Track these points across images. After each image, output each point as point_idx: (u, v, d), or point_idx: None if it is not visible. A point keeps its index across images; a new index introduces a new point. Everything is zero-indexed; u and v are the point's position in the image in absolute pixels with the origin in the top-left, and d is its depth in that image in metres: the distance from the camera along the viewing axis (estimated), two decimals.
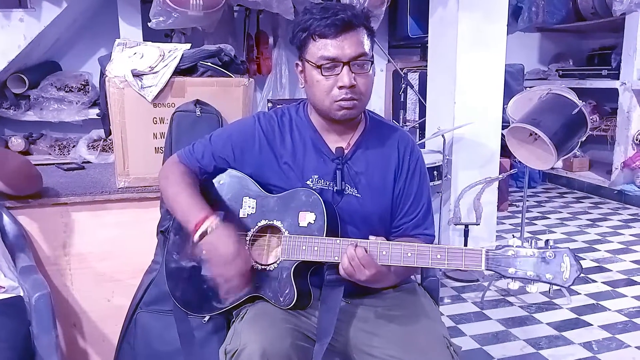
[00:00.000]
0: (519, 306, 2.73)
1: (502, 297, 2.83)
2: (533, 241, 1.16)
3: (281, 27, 4.41)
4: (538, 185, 5.40)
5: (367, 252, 1.21)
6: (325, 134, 1.39)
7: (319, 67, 1.27)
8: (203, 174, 1.43)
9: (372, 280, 1.22)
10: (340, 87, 1.27)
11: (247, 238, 1.36)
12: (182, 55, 1.88)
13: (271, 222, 1.35)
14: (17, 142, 3.66)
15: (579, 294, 2.86)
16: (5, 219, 1.73)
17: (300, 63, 1.34)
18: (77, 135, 3.79)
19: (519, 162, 2.66)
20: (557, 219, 4.26)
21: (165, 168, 1.47)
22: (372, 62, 1.31)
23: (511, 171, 3.51)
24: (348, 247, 1.22)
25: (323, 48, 1.26)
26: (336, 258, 1.25)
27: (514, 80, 4.10)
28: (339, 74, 1.27)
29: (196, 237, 1.28)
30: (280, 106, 1.49)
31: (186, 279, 1.43)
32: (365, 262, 1.20)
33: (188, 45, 1.95)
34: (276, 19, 4.31)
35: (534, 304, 2.75)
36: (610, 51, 5.03)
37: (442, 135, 3.01)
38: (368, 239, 1.24)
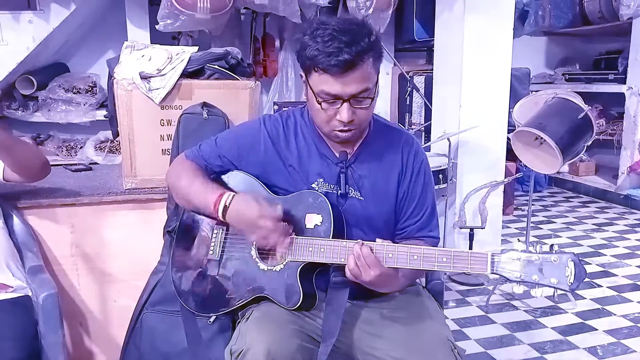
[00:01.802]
0: (523, 310, 2.72)
1: (507, 301, 2.83)
2: (538, 245, 1.17)
3: (287, 30, 4.42)
4: (544, 189, 5.39)
5: (373, 251, 1.21)
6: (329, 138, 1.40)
7: (319, 101, 1.26)
8: (210, 174, 1.44)
9: (378, 282, 1.22)
10: (339, 121, 1.27)
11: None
12: (190, 58, 1.90)
13: None
14: None
15: (584, 298, 2.85)
16: (15, 219, 1.75)
17: (303, 76, 1.32)
18: (84, 136, 3.81)
19: (525, 166, 2.66)
20: (563, 223, 4.25)
21: (173, 165, 1.49)
22: (374, 97, 1.28)
23: (517, 175, 3.50)
24: (354, 245, 1.22)
25: (325, 84, 1.23)
26: (342, 260, 1.26)
27: (520, 84, 4.10)
28: (339, 107, 1.26)
29: (219, 216, 1.30)
30: (286, 109, 1.50)
31: (192, 280, 1.44)
32: (371, 261, 1.20)
33: (195, 48, 1.96)
34: (283, 21, 4.32)
35: (538, 308, 2.74)
36: (617, 55, 5.02)
37: (448, 139, 3.01)
38: (375, 241, 1.25)
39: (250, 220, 1.28)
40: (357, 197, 1.37)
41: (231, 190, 1.39)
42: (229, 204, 1.30)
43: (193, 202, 1.40)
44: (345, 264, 1.25)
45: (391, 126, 1.48)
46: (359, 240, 1.24)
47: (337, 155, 1.38)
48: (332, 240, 1.28)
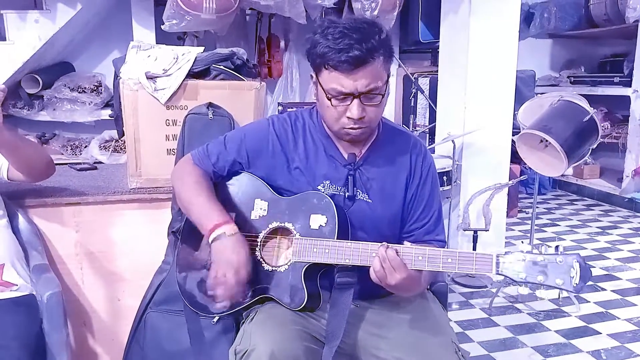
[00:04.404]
0: (527, 313, 2.72)
1: (511, 303, 2.82)
2: (543, 247, 1.17)
3: (292, 31, 4.43)
4: (548, 192, 5.38)
5: (398, 254, 1.19)
6: (337, 139, 1.39)
7: (329, 97, 1.26)
8: (217, 177, 1.45)
9: (403, 285, 1.20)
10: (349, 118, 1.27)
11: (259, 240, 1.38)
12: (195, 58, 1.90)
13: (282, 224, 1.36)
14: None
15: (588, 302, 2.84)
16: (20, 217, 1.76)
17: (314, 76, 1.32)
18: (89, 135, 3.81)
19: (529, 168, 2.65)
20: (567, 226, 4.24)
21: (179, 169, 1.49)
22: (384, 94, 1.28)
23: (521, 177, 3.50)
24: (379, 248, 1.20)
25: (336, 81, 1.23)
26: (347, 261, 1.26)
27: (525, 87, 4.09)
28: (349, 104, 1.26)
29: (208, 239, 1.30)
30: (294, 110, 1.50)
31: (196, 279, 1.44)
32: (397, 264, 1.18)
33: (201, 49, 1.97)
34: (288, 22, 4.32)
35: (542, 311, 2.73)
36: (622, 58, 5.01)
37: (452, 141, 3.01)
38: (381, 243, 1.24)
39: (225, 264, 1.27)
40: (364, 199, 1.37)
41: (229, 202, 1.40)
42: (225, 238, 1.29)
43: (191, 216, 1.39)
44: (351, 265, 1.25)
45: (399, 129, 1.48)
46: (383, 243, 1.22)
47: (346, 157, 1.38)
48: (337, 242, 1.28)
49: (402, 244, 1.23)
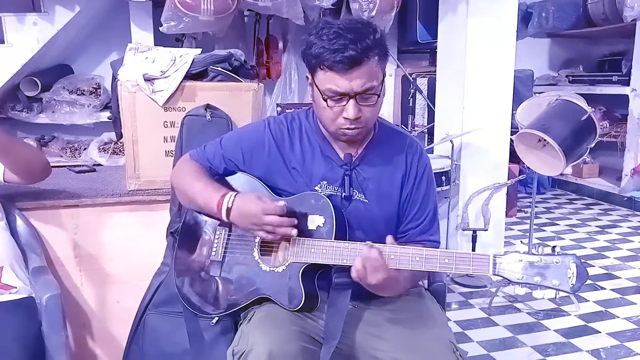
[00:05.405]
0: (526, 312, 2.72)
1: (510, 303, 2.82)
2: (540, 247, 1.17)
3: (291, 32, 4.44)
4: (547, 191, 5.38)
5: (381, 255, 1.20)
6: (333, 140, 1.40)
7: (325, 98, 1.27)
8: (214, 175, 1.45)
9: (382, 285, 1.22)
10: (345, 118, 1.28)
11: (256, 240, 1.38)
12: (193, 60, 1.91)
13: None
14: None
15: (587, 301, 2.85)
16: (18, 220, 1.76)
17: (309, 77, 1.32)
18: (88, 137, 3.83)
19: (528, 167, 2.65)
20: (566, 225, 4.25)
21: (178, 166, 1.51)
22: (380, 94, 1.28)
23: (520, 177, 3.50)
24: (364, 247, 1.22)
25: (331, 81, 1.24)
26: (345, 261, 1.26)
27: (523, 86, 4.09)
28: (345, 104, 1.26)
29: (223, 216, 1.32)
30: (290, 111, 1.50)
31: (195, 281, 1.44)
32: (379, 265, 1.20)
33: (199, 50, 1.97)
34: (286, 23, 4.33)
35: (541, 310, 2.74)
36: (620, 57, 5.01)
37: (451, 141, 3.01)
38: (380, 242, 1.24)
39: (254, 217, 1.29)
40: (361, 199, 1.38)
41: (234, 190, 1.40)
42: (232, 205, 1.31)
43: (197, 203, 1.41)
44: (348, 266, 1.25)
45: (395, 129, 1.48)
46: (368, 242, 1.23)
47: (342, 157, 1.38)
48: (334, 242, 1.29)
49: (385, 242, 1.23)
